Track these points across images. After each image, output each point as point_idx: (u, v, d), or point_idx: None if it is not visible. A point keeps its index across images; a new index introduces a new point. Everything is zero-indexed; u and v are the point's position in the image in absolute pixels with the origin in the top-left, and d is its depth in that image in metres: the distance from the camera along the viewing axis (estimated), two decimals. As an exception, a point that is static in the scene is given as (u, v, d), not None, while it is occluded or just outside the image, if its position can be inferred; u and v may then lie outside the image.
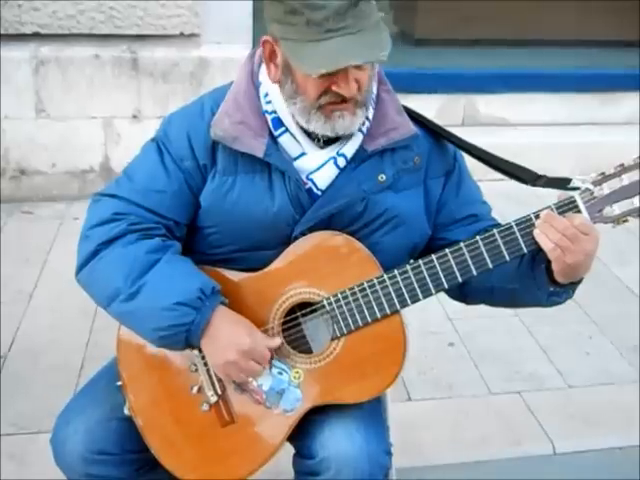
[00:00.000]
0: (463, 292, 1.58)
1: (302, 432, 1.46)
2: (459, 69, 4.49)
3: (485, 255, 1.38)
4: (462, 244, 1.39)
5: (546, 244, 1.33)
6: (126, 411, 1.50)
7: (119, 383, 1.52)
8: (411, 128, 1.47)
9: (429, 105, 3.62)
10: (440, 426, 2.36)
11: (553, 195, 1.40)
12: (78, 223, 1.53)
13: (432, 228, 1.55)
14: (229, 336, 1.40)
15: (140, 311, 1.40)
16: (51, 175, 3.81)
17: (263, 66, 1.46)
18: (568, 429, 2.37)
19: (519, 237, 1.36)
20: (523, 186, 1.52)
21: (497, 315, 2.94)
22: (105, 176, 3.78)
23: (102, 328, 2.68)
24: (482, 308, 3.09)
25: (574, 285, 1.42)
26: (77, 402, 1.55)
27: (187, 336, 1.39)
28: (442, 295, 3.03)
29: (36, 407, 2.32)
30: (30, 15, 3.55)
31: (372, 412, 1.50)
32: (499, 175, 1.55)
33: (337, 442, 1.40)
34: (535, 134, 4.29)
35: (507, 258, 1.38)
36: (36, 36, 3.60)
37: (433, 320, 2.88)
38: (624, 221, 1.34)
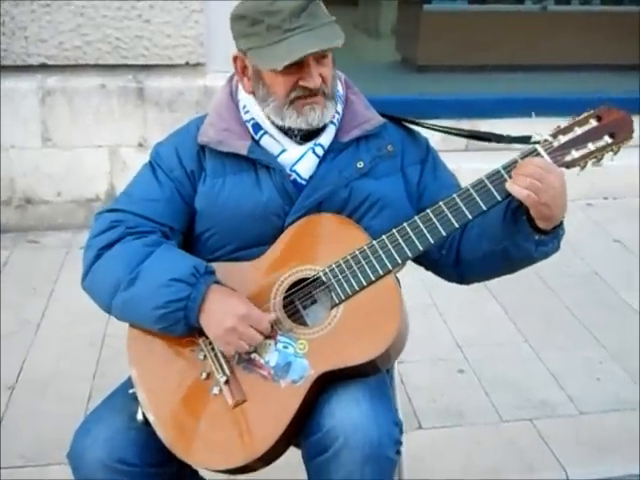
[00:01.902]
0: (459, 271, 1.67)
1: (310, 415, 1.46)
2: (462, 94, 4.52)
3: (463, 208, 1.50)
4: (441, 202, 1.51)
5: (519, 192, 1.43)
6: (139, 416, 1.50)
7: (131, 390, 1.53)
8: (380, 119, 1.65)
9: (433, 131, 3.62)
10: (451, 455, 2.33)
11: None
12: (84, 252, 1.58)
13: (417, 213, 1.61)
14: (225, 306, 1.47)
15: (139, 294, 1.48)
16: (57, 204, 3.83)
17: (240, 85, 1.62)
18: (581, 456, 2.34)
19: (491, 188, 1.49)
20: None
21: (506, 342, 2.93)
22: (111, 204, 3.79)
23: (109, 359, 2.68)
24: (490, 335, 3.06)
25: (556, 232, 1.52)
26: (95, 414, 1.55)
27: (185, 314, 1.46)
28: (451, 323, 3.01)
29: (44, 439, 2.31)
30: (37, 47, 3.60)
31: (378, 386, 1.52)
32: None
33: (343, 408, 1.41)
34: (539, 158, 4.29)
35: (484, 207, 1.49)
36: (43, 67, 3.64)
37: (442, 347, 2.87)
38: (585, 164, 1.50)
